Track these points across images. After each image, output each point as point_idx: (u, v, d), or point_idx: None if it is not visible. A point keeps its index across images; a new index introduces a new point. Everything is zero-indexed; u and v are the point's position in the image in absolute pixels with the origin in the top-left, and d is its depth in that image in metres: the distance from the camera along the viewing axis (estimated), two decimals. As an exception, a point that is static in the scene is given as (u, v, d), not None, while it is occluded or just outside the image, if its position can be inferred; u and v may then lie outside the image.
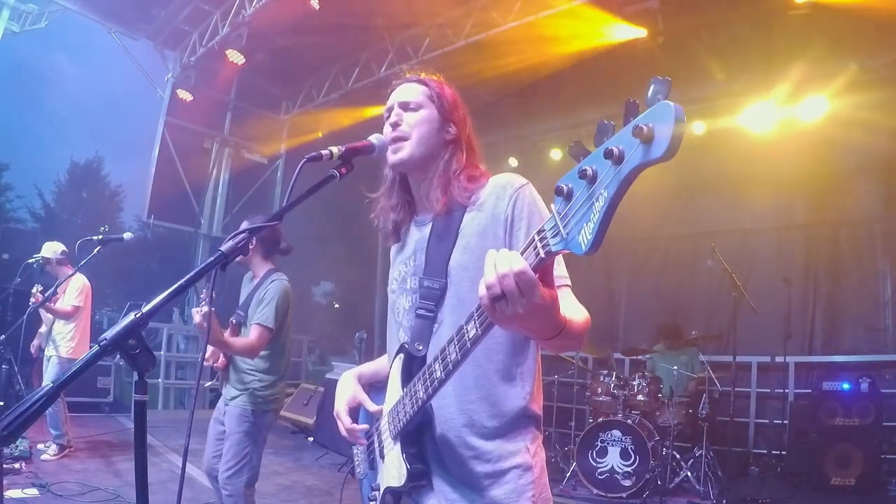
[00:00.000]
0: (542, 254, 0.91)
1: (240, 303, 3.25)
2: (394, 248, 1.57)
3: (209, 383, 3.08)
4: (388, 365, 1.45)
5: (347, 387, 1.50)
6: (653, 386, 5.23)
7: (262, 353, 3.08)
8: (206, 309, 2.68)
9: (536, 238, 0.93)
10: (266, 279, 3.15)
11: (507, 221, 1.31)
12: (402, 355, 1.36)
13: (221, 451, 3.04)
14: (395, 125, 1.43)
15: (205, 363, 3.16)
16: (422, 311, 1.37)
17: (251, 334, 3.01)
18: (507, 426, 1.31)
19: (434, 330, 1.34)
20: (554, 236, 0.89)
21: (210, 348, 3.08)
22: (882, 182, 6.08)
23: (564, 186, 0.87)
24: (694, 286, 7.04)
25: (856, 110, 5.81)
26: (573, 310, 1.19)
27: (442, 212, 1.38)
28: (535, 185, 1.40)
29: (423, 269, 1.39)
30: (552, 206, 0.91)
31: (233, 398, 3.04)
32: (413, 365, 1.33)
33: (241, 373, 3.07)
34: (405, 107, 1.44)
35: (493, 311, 0.95)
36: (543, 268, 0.93)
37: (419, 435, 1.32)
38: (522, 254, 0.94)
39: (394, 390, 1.36)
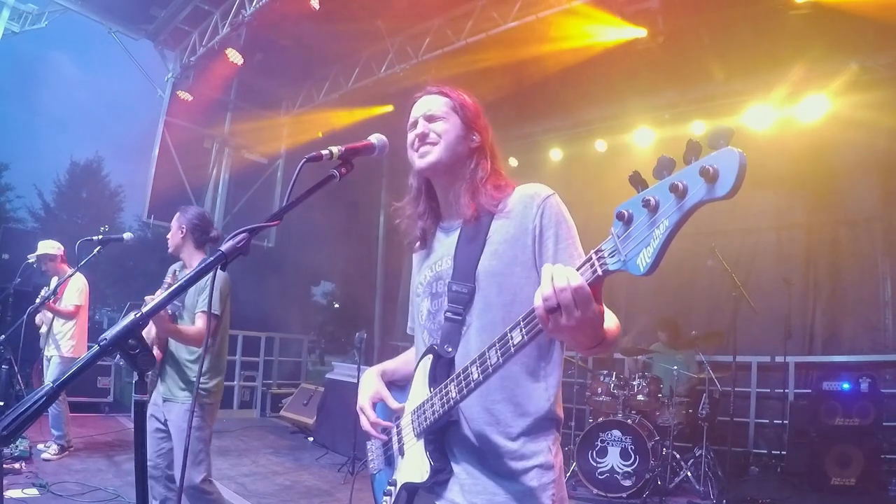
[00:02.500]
0: (599, 272, 0.98)
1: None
2: (418, 255, 1.61)
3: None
4: (415, 365, 1.48)
5: (371, 382, 1.54)
6: (653, 386, 5.23)
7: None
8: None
9: (594, 257, 1.00)
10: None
11: (535, 231, 1.35)
12: (430, 356, 1.40)
13: (163, 449, 3.02)
14: (422, 136, 1.46)
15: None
16: (450, 315, 1.40)
17: (197, 322, 3.01)
18: (531, 426, 1.34)
19: (463, 332, 1.38)
20: (612, 255, 0.97)
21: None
22: (882, 182, 6.06)
23: (626, 212, 0.94)
24: (694, 286, 7.03)
25: (856, 110, 5.81)
26: (608, 319, 1.23)
27: (471, 218, 1.42)
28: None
29: (452, 274, 1.43)
30: (611, 228, 0.97)
31: (174, 396, 3.01)
32: (441, 366, 1.37)
33: (182, 368, 3.04)
34: (430, 119, 1.48)
35: (547, 321, 1.02)
36: (595, 285, 1.00)
37: (443, 433, 1.37)
38: (579, 269, 1.01)
39: (419, 389, 1.40)
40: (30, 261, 5.14)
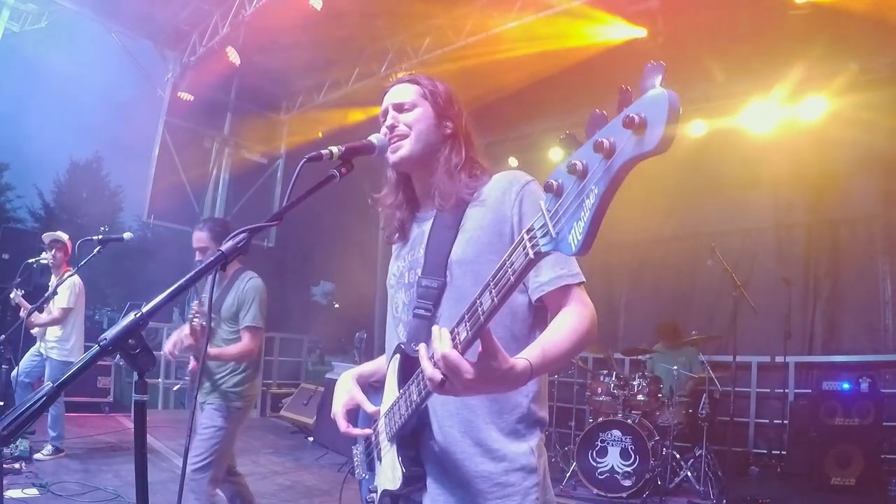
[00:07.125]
0: (531, 254, 0.85)
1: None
2: (396, 246, 1.56)
3: (177, 386, 3.10)
4: (386, 364, 1.43)
5: (345, 388, 1.47)
6: (653, 386, 5.23)
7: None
8: (194, 325, 2.79)
9: (526, 237, 0.86)
10: (238, 279, 3.11)
11: (514, 219, 1.30)
12: (398, 356, 1.34)
13: None
14: (391, 127, 1.41)
15: (173, 358, 3.12)
16: (419, 311, 1.35)
17: (244, 338, 3.01)
18: (510, 427, 1.28)
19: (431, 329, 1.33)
20: (543, 235, 0.82)
21: (173, 339, 2.99)
22: (882, 181, 6.07)
23: (554, 182, 0.81)
24: (694, 286, 7.03)
25: (856, 110, 5.81)
26: (560, 331, 1.18)
27: (444, 207, 1.38)
28: None
29: (422, 267, 1.38)
30: (541, 202, 0.84)
31: (206, 399, 3.03)
32: (410, 366, 1.29)
33: (211, 373, 3.05)
34: (399, 108, 1.43)
35: (439, 389, 1.00)
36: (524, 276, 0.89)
37: (416, 437, 1.30)
38: (511, 255, 0.89)
39: (390, 391, 1.34)
40: (30, 261, 5.10)
